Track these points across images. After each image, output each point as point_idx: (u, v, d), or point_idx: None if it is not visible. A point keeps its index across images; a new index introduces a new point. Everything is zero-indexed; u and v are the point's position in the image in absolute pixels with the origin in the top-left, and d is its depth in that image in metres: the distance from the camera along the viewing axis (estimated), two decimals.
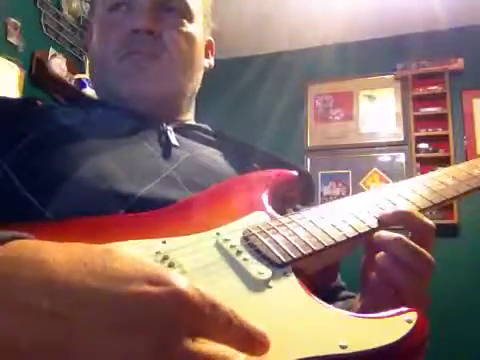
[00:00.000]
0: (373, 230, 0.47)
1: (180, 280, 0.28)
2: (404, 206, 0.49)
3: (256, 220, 0.47)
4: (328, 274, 0.51)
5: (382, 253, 0.44)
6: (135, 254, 0.30)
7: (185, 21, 0.67)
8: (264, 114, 3.38)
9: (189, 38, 0.67)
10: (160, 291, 0.27)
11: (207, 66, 0.75)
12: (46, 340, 0.26)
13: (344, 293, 0.65)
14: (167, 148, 0.60)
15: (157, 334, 0.26)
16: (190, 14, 0.67)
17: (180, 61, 0.65)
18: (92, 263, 0.29)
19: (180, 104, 0.70)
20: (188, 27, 0.67)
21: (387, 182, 3.05)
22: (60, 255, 0.29)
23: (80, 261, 0.29)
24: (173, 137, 0.62)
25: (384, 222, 0.47)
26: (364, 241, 0.47)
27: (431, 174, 0.57)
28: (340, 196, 3.09)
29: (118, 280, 0.28)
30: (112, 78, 0.64)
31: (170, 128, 0.63)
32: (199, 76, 0.71)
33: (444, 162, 2.78)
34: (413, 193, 0.53)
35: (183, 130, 0.65)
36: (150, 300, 0.27)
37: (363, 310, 0.46)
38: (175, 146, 0.61)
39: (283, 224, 0.46)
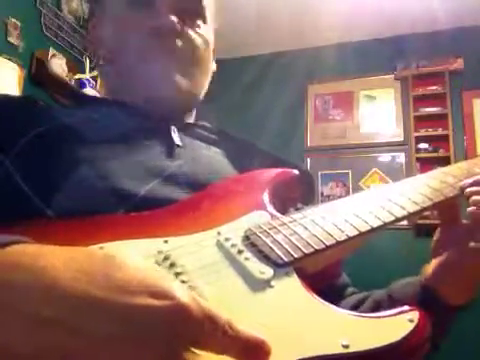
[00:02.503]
0: (374, 229, 0.47)
1: (182, 293, 0.29)
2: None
3: (257, 219, 0.47)
4: (330, 273, 0.51)
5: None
6: (137, 262, 0.30)
7: (201, 23, 0.67)
8: (264, 114, 3.38)
9: (205, 41, 0.67)
10: (163, 305, 0.28)
11: (214, 70, 0.76)
12: (47, 347, 0.26)
13: (350, 290, 0.65)
14: (170, 147, 0.59)
15: (159, 346, 0.27)
16: (205, 16, 0.68)
17: (204, 66, 0.67)
18: (94, 272, 0.29)
19: (191, 107, 0.70)
20: (204, 29, 0.67)
21: (387, 182, 3.05)
22: (60, 261, 0.29)
23: (82, 268, 0.29)
24: (176, 136, 0.61)
25: (466, 188, 0.54)
26: (439, 212, 0.58)
27: (432, 173, 0.57)
28: (340, 196, 3.09)
29: (121, 291, 0.28)
30: (137, 76, 0.62)
31: (173, 127, 0.63)
32: (209, 79, 0.72)
33: (444, 162, 2.78)
34: (414, 192, 0.53)
35: (186, 129, 0.65)
36: (153, 314, 0.27)
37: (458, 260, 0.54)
38: (178, 145, 0.60)
39: (284, 223, 0.46)
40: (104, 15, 0.68)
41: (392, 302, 0.55)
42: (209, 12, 0.69)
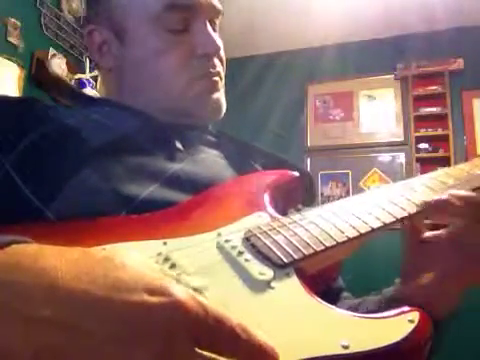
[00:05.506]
0: (374, 230, 0.47)
1: (179, 291, 0.28)
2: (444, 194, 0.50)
3: (257, 221, 0.47)
4: (329, 275, 0.51)
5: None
6: (136, 261, 0.30)
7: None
8: (264, 114, 3.38)
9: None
10: (160, 302, 0.27)
11: None
12: (48, 349, 0.26)
13: (345, 294, 0.65)
14: (171, 150, 0.59)
15: (157, 344, 0.27)
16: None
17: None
18: (93, 271, 0.29)
19: None
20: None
21: (387, 182, 3.05)
22: (60, 262, 0.29)
23: (81, 269, 0.29)
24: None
25: (426, 209, 0.50)
26: (405, 226, 0.52)
27: (432, 174, 0.57)
28: (340, 196, 3.09)
29: (120, 290, 0.28)
30: (173, 96, 0.62)
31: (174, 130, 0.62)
32: None
33: (444, 162, 2.79)
34: (414, 193, 0.52)
35: (186, 131, 0.65)
36: (150, 311, 0.27)
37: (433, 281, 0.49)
38: (178, 148, 0.60)
39: (284, 224, 0.46)
40: (110, 25, 0.64)
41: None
42: None
